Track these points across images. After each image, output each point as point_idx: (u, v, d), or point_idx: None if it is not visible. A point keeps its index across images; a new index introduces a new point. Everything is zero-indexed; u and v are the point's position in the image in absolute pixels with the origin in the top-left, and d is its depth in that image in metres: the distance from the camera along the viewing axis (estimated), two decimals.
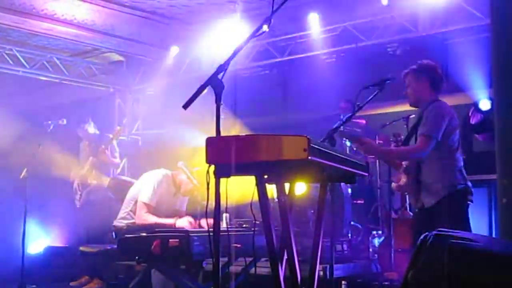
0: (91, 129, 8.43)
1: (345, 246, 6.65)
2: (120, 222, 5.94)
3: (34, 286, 7.55)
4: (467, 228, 4.72)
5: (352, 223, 7.30)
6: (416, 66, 4.94)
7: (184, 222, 5.56)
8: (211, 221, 3.12)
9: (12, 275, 7.54)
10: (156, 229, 5.05)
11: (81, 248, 6.76)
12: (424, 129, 4.70)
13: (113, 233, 6.00)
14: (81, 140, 8.61)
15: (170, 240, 4.50)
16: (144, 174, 6.20)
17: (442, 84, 4.98)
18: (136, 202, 5.88)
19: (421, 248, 2.55)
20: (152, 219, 5.72)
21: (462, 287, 2.37)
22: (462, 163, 4.81)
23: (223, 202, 3.00)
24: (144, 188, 5.88)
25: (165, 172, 6.04)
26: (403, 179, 4.94)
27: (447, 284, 2.38)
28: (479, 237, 2.73)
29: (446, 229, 2.67)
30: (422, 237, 2.62)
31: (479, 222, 6.22)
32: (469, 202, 4.75)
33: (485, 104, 7.30)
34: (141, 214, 5.76)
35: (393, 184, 5.20)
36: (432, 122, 4.69)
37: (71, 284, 8.04)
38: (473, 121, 7.49)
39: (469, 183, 4.78)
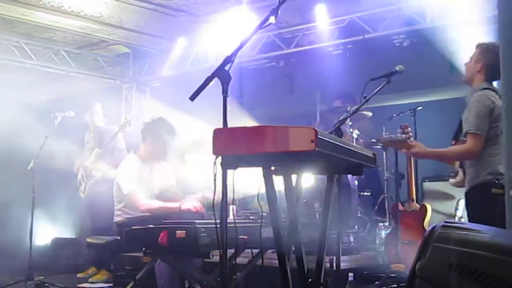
0: (99, 120, 8.43)
1: (352, 238, 6.65)
2: (119, 217, 5.97)
3: (41, 277, 7.57)
4: (494, 221, 4.63)
5: (359, 215, 7.30)
6: (486, 44, 4.74)
7: (188, 205, 5.55)
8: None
9: (19, 266, 7.58)
10: (163, 221, 5.05)
11: (88, 240, 6.77)
12: (469, 125, 4.57)
13: (116, 228, 6.03)
14: (86, 130, 8.61)
15: (177, 231, 4.50)
16: (117, 170, 6.22)
17: (496, 74, 4.75)
18: (124, 197, 5.89)
19: (429, 240, 2.54)
20: (155, 203, 5.72)
21: (470, 279, 2.37)
22: (497, 156, 4.62)
23: (230, 194, 3.00)
24: (122, 181, 5.90)
25: (130, 156, 6.07)
26: (461, 175, 4.88)
27: (455, 276, 2.38)
28: (487, 229, 2.72)
29: (453, 221, 2.66)
30: (429, 228, 2.61)
31: None
32: (497, 195, 4.54)
33: None
34: (140, 201, 5.77)
35: (451, 180, 5.13)
36: (476, 116, 4.55)
37: (78, 275, 8.07)
38: None
39: (499, 175, 4.63)
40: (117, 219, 6.00)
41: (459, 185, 5.04)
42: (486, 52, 4.76)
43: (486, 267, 2.38)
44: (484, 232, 2.57)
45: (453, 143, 4.89)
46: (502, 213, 4.54)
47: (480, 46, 4.81)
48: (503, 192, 4.54)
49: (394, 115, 7.06)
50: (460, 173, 4.90)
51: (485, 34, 7.23)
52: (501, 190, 4.56)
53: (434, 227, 2.60)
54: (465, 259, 2.41)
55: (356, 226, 7.06)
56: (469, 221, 4.69)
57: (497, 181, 4.61)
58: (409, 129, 5.26)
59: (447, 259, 2.43)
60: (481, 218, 4.53)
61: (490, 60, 4.71)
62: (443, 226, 2.57)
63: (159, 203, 5.74)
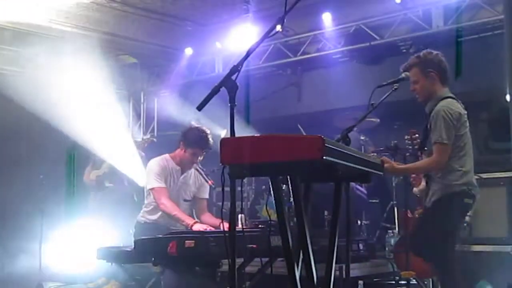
0: None
1: (361, 246, 6.63)
2: (140, 217, 6.01)
3: (51, 286, 7.59)
4: (451, 234, 4.65)
5: (368, 222, 7.27)
6: (421, 58, 4.76)
7: (199, 227, 5.56)
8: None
9: (29, 273, 7.59)
10: (172, 231, 5.06)
11: (97, 249, 6.78)
12: (436, 135, 4.58)
13: (136, 226, 6.07)
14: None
15: (186, 241, 4.50)
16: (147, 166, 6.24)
17: (447, 74, 4.81)
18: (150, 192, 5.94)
19: None
20: (172, 209, 5.69)
21: None
22: (468, 164, 4.67)
23: (238, 203, 3.00)
24: (147, 177, 5.94)
25: (162, 156, 6.07)
26: (423, 183, 4.88)
27: None
28: None
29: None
30: None
31: (498, 220, 6.17)
32: (467, 203, 4.64)
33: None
34: (159, 200, 5.80)
35: (415, 189, 5.14)
36: (441, 126, 4.55)
37: (88, 285, 8.07)
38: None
39: (471, 186, 4.64)
40: (138, 218, 6.03)
41: (422, 194, 5.03)
42: (430, 62, 4.76)
43: None
44: None
45: (419, 154, 4.89)
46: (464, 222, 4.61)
47: (418, 62, 4.78)
48: (472, 202, 4.60)
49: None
50: (423, 182, 4.90)
51: (490, 40, 7.24)
52: (471, 200, 4.61)
53: None
54: None
55: (365, 234, 7.03)
56: (432, 229, 4.67)
57: (469, 191, 4.60)
58: (417, 135, 5.26)
59: None
60: (448, 226, 4.55)
61: (437, 66, 4.76)
62: None
63: (176, 211, 5.70)
